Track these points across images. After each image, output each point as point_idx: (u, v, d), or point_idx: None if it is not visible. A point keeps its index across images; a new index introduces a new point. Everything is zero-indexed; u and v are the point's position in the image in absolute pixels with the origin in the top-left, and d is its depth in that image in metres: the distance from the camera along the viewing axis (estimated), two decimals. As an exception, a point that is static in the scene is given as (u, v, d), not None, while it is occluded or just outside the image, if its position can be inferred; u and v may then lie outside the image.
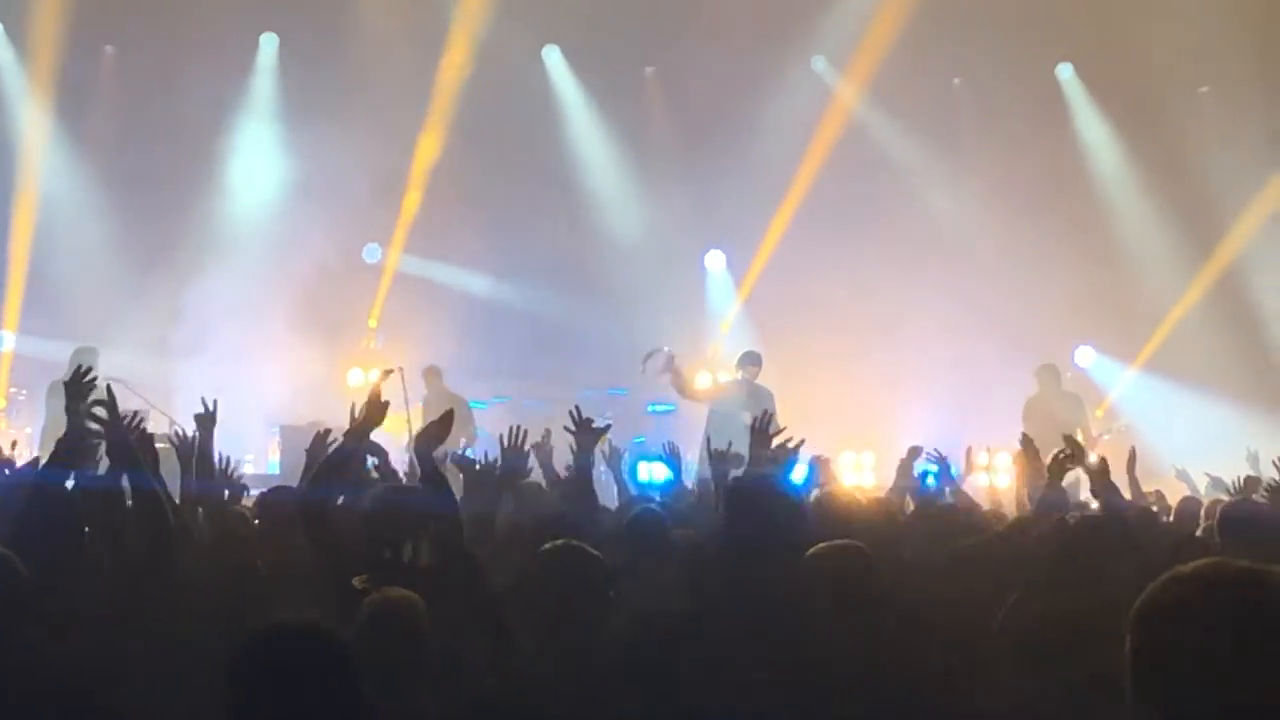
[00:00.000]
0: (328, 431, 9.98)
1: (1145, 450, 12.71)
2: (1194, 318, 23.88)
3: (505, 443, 10.02)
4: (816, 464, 11.82)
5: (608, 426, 10.62)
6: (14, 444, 16.71)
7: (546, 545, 7.05)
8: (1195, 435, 20.88)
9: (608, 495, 12.75)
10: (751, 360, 21.13)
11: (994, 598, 7.82)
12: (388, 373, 9.05)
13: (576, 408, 10.18)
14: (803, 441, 11.10)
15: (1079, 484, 12.75)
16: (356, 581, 6.79)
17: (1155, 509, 12.36)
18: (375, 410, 8.05)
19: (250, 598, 7.22)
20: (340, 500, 7.79)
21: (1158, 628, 3.77)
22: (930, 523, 9.81)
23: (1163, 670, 3.73)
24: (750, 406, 20.38)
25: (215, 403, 10.17)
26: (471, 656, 6.41)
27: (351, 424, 7.94)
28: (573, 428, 10.04)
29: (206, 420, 10.14)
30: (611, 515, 10.51)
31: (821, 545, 6.94)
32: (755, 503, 6.90)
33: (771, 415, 10.93)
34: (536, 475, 11.77)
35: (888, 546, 8.47)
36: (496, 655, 6.51)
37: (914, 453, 12.64)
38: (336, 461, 7.94)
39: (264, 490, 10.54)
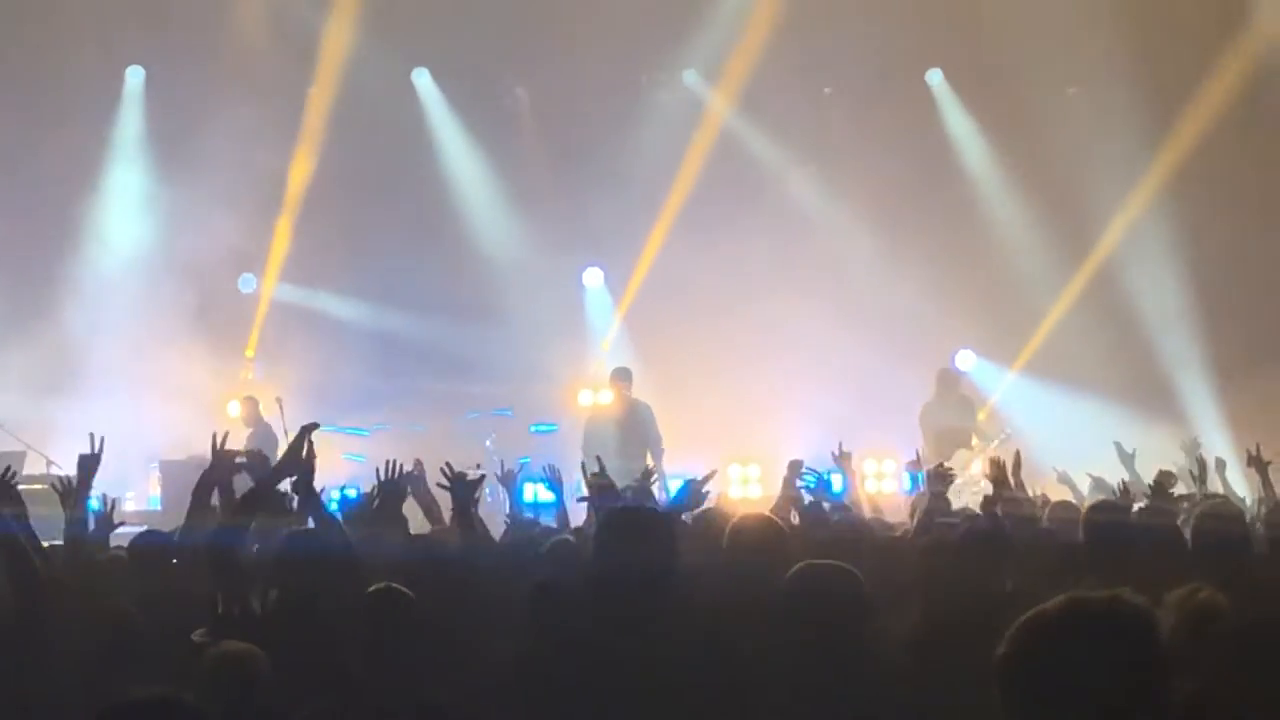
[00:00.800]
0: (233, 458, 9.74)
1: (1027, 453, 12.72)
2: (1071, 319, 23.97)
3: (381, 476, 9.93)
4: (691, 484, 11.69)
5: (482, 477, 10.48)
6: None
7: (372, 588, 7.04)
8: (1076, 437, 20.96)
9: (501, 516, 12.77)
10: (621, 376, 21.17)
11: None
12: (311, 427, 8.83)
13: (448, 464, 10.09)
14: (713, 474, 11.14)
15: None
16: (196, 635, 6.71)
17: (1037, 514, 12.35)
18: (294, 463, 7.99)
19: (122, 647, 7.10)
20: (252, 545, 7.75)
21: (1021, 672, 3.80)
22: (817, 539, 9.73)
23: (1031, 713, 3.76)
24: (626, 423, 20.45)
25: (102, 441, 9.59)
26: (317, 704, 6.33)
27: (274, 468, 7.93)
28: (446, 484, 9.95)
29: (90, 461, 9.59)
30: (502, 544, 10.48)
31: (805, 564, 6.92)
32: (627, 531, 6.80)
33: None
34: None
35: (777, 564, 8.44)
36: (340, 702, 6.42)
37: (795, 467, 12.61)
38: (250, 503, 7.87)
39: (137, 534, 10.36)
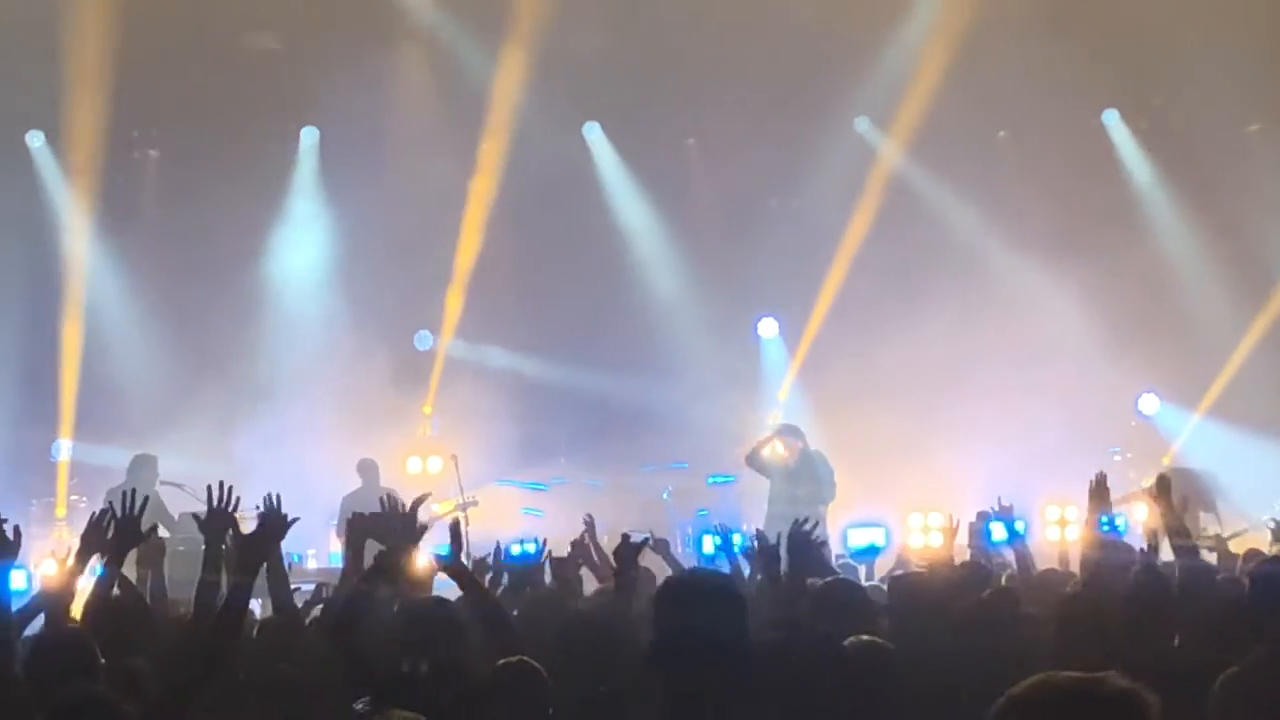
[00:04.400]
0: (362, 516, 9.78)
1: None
2: (1255, 361, 23.54)
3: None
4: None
5: (645, 541, 10.43)
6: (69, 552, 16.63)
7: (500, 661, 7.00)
8: (1262, 482, 20.47)
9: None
10: (791, 433, 20.99)
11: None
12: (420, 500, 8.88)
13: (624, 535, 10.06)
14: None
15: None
16: (358, 704, 6.68)
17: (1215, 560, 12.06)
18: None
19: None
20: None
21: None
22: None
23: None
24: (799, 475, 20.31)
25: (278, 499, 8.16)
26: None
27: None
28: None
29: (275, 523, 8.05)
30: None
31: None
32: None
33: (817, 520, 10.91)
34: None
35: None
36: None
37: (982, 517, 12.45)
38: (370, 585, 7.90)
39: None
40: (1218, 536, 14.34)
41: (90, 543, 8.76)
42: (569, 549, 11.56)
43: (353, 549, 9.65)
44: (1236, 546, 13.74)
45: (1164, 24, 22.59)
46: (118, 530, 7.99)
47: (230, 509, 8.41)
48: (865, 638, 7.01)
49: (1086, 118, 25.09)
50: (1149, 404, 24.01)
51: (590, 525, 12.62)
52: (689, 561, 13.60)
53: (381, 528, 8.82)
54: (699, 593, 6.27)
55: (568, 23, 22.56)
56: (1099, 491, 10.66)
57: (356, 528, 9.68)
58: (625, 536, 9.75)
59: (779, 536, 10.19)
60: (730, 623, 6.11)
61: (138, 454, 19.75)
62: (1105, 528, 10.72)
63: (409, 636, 7.54)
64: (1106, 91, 24.72)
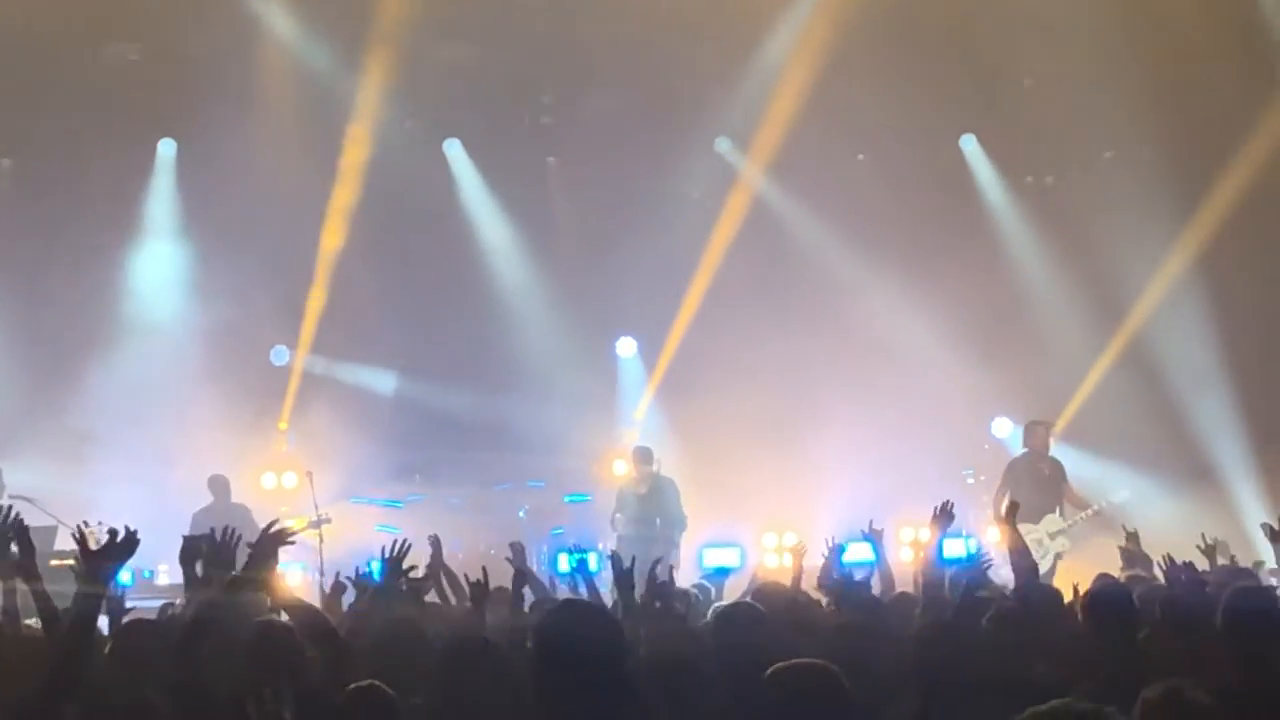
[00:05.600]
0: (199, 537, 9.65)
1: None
2: (1107, 386, 23.77)
3: (386, 554, 9.81)
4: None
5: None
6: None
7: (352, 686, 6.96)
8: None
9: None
10: (641, 456, 21.07)
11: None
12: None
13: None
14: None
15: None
16: None
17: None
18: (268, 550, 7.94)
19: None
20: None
21: None
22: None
23: None
24: (648, 498, 20.45)
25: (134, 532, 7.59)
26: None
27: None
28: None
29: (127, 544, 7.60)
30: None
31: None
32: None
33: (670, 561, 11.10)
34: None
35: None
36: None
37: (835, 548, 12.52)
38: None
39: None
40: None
41: None
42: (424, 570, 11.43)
43: (187, 569, 9.52)
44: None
45: (1021, 51, 22.84)
46: None
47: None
48: (808, 660, 6.95)
49: (944, 142, 25.24)
50: (1002, 427, 24.15)
51: (437, 543, 12.56)
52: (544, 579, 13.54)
53: (211, 553, 8.78)
54: (577, 623, 6.34)
55: (429, 37, 22.46)
56: (942, 518, 10.81)
57: (188, 550, 9.54)
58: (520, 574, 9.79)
59: (633, 560, 10.24)
60: (609, 649, 6.18)
61: (-18, 464, 19.41)
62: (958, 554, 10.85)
63: (257, 659, 7.44)
64: (965, 116, 24.90)
